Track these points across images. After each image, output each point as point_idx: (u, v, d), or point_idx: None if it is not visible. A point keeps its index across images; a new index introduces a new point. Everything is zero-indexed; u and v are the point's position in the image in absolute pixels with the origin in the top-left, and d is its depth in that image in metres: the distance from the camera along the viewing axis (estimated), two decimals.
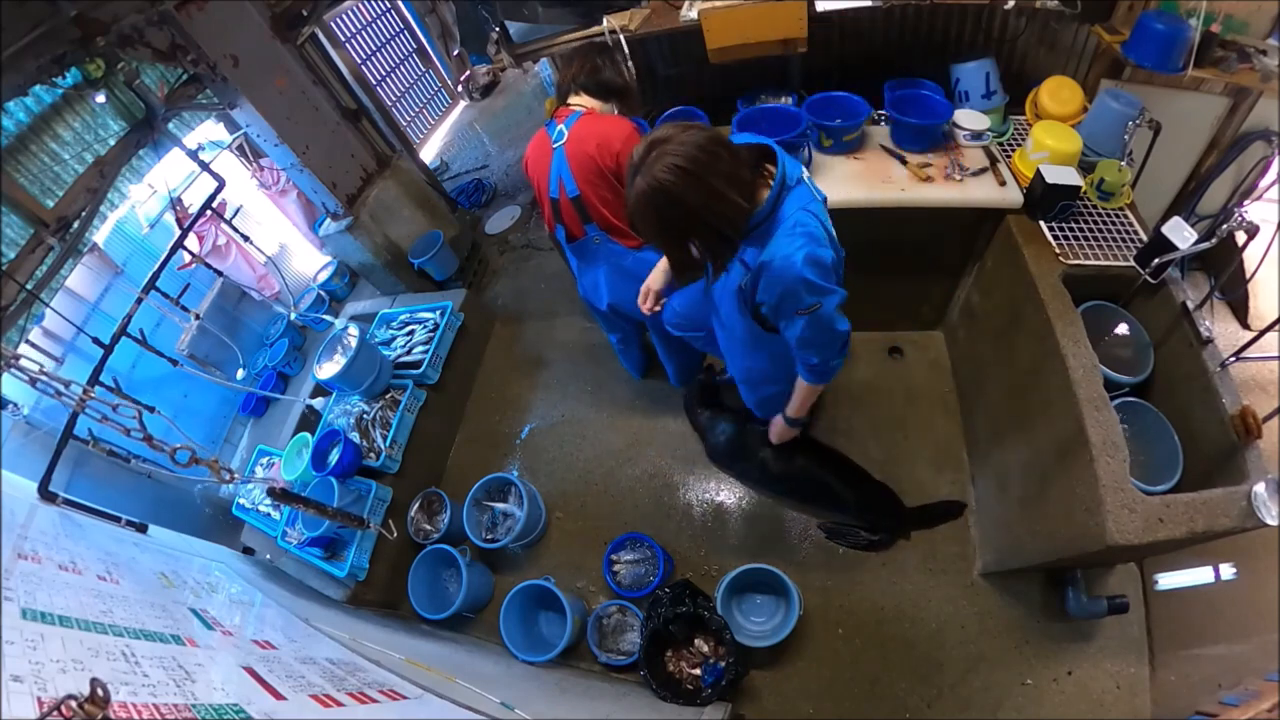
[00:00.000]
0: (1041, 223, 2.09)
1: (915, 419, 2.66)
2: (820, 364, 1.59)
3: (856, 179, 2.29)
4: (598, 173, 1.96)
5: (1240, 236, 1.75)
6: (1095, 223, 2.08)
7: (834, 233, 1.48)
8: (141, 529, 1.92)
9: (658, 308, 1.94)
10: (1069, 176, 2.00)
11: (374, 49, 5.71)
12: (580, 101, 2.03)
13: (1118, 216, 2.09)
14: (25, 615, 0.98)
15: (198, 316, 3.54)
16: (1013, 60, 2.83)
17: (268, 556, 2.71)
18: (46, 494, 1.73)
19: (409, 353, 3.09)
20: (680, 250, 1.40)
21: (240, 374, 4.26)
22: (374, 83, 5.19)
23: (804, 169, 1.47)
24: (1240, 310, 2.72)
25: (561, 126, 1.99)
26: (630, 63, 2.67)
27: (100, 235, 3.68)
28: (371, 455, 2.72)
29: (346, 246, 3.55)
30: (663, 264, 1.93)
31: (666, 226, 1.32)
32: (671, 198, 1.24)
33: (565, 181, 2.01)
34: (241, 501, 2.92)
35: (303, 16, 3.28)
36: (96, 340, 2.60)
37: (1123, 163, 2.08)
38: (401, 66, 6.04)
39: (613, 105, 2.07)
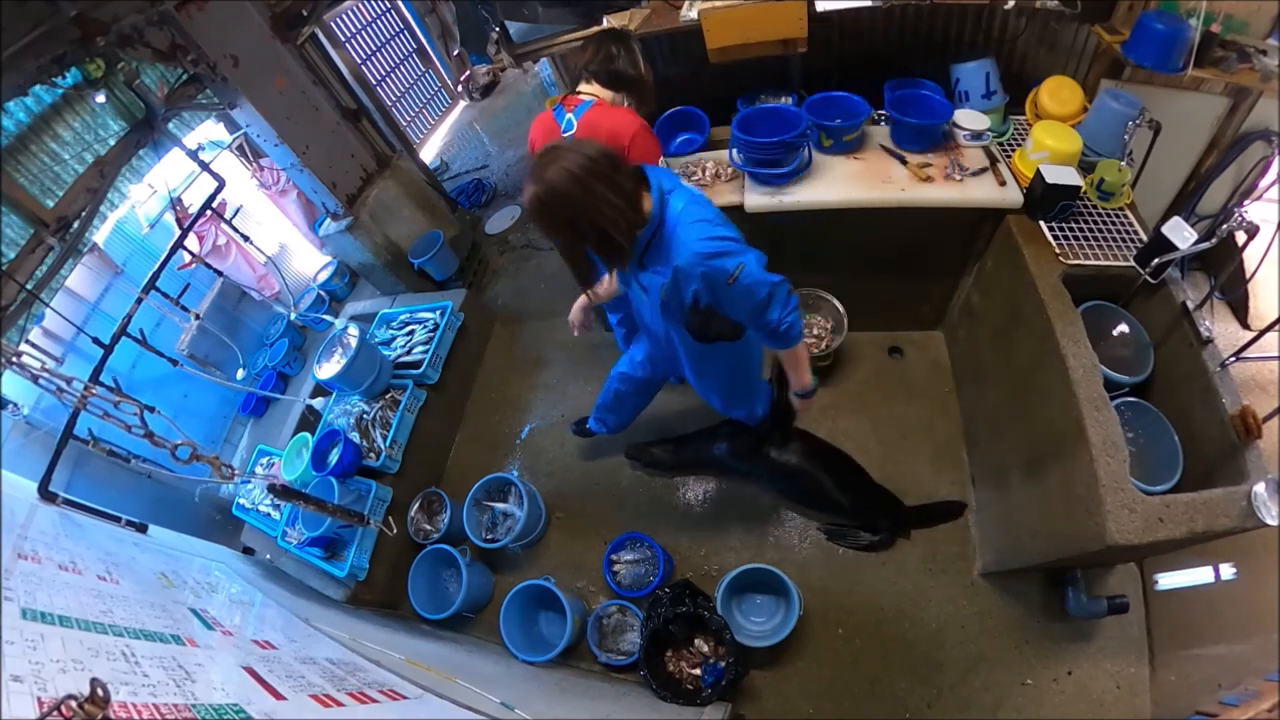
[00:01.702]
0: (1041, 223, 2.09)
1: (915, 419, 2.66)
2: (777, 322, 1.59)
3: (856, 179, 2.30)
4: None
5: (1240, 236, 1.75)
6: (1095, 223, 2.08)
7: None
8: (141, 529, 1.91)
9: (587, 329, 2.12)
10: (1069, 176, 2.00)
11: (374, 49, 5.70)
12: (591, 90, 2.00)
13: (1118, 216, 2.09)
14: (25, 615, 0.98)
15: (198, 316, 3.53)
16: (1013, 60, 2.83)
17: (268, 556, 2.71)
18: (46, 494, 1.72)
19: (409, 353, 3.09)
20: (572, 247, 1.52)
21: (240, 374, 4.26)
22: (374, 83, 5.19)
23: (680, 180, 1.57)
24: (1240, 310, 2.72)
25: (570, 115, 1.96)
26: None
27: (100, 235, 3.68)
28: (371, 455, 2.72)
29: (346, 246, 3.55)
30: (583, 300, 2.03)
31: (557, 224, 1.45)
32: (559, 197, 1.38)
33: None
34: (241, 502, 2.92)
35: (303, 16, 3.28)
36: (96, 340, 2.60)
37: (1123, 163, 2.08)
38: (401, 66, 6.04)
39: (623, 97, 2.02)
